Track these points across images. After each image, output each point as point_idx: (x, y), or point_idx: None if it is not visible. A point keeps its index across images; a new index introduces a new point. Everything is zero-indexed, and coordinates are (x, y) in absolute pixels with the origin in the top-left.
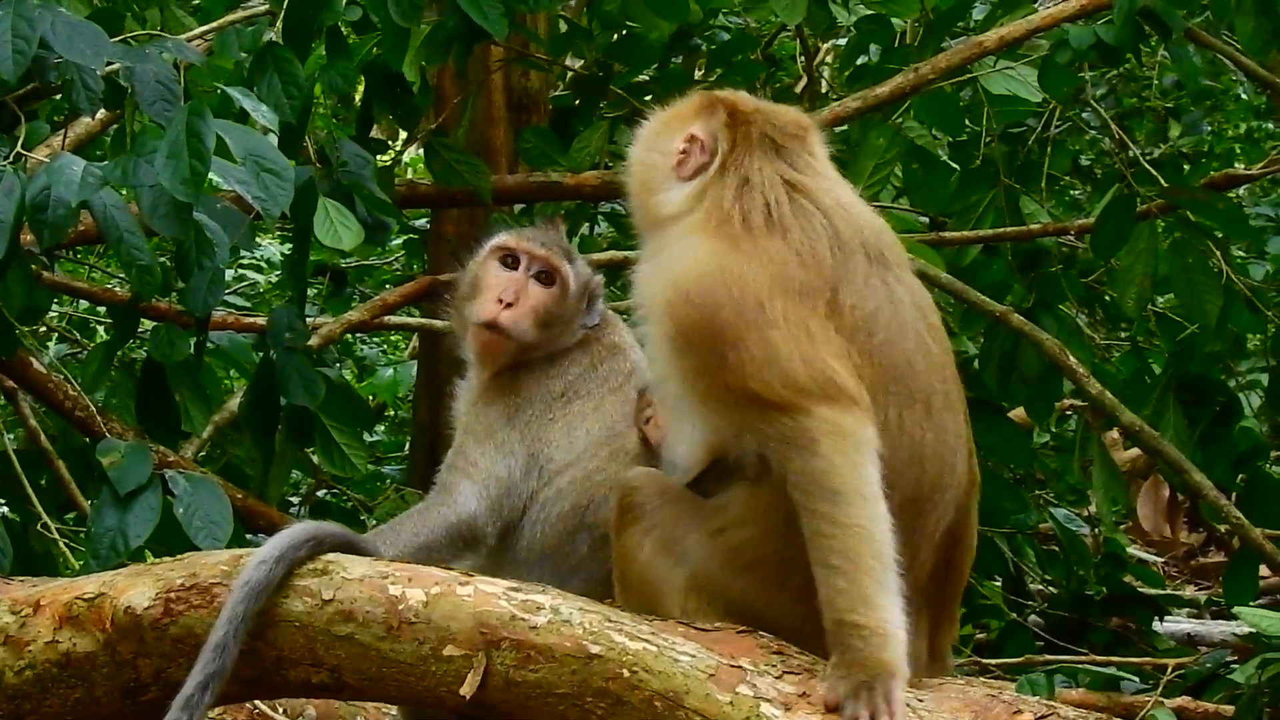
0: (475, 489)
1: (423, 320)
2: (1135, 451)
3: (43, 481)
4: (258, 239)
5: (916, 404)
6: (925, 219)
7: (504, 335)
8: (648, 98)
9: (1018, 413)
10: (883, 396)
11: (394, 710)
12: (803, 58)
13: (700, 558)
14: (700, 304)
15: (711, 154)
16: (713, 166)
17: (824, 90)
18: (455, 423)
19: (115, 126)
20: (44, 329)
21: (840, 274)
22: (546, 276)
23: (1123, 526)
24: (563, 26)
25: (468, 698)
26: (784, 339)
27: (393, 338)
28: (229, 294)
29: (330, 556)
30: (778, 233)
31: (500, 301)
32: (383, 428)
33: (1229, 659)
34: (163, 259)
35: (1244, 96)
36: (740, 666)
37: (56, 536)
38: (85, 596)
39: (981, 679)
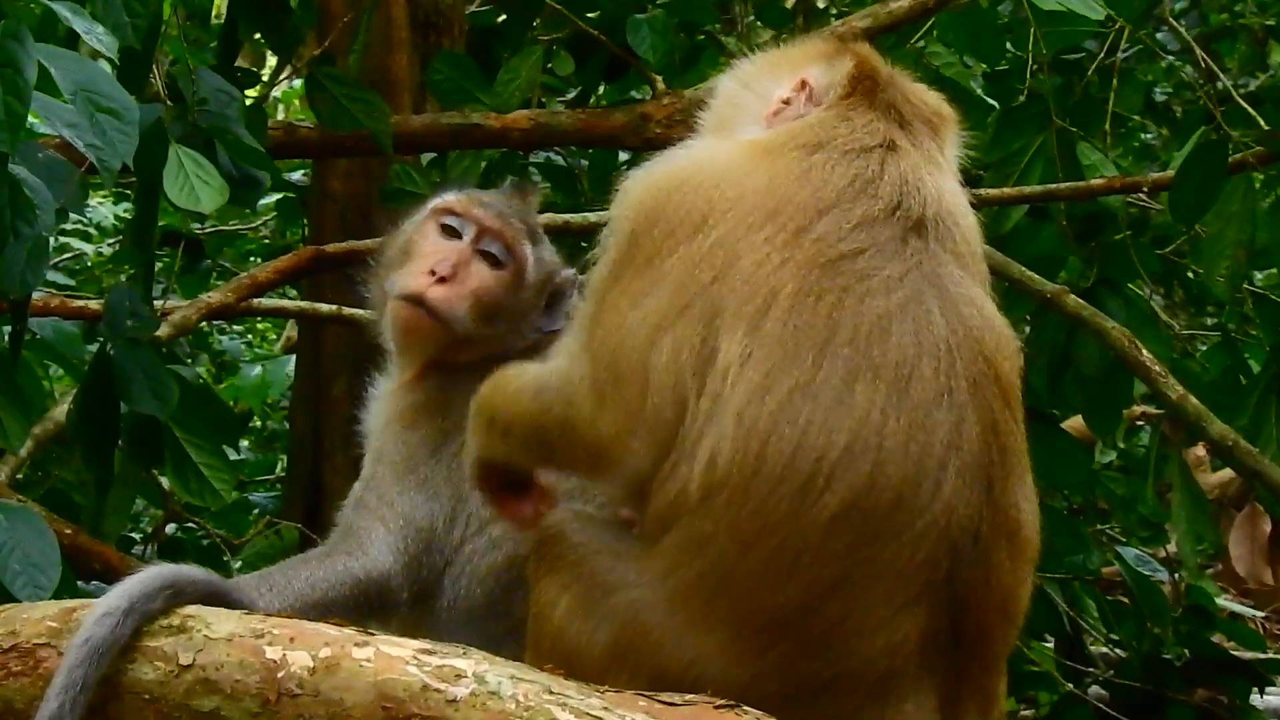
0: (390, 540)
1: (302, 304)
2: (1227, 474)
3: None
4: (89, 198)
5: (880, 379)
6: None
7: (430, 316)
8: (593, 15)
9: (1074, 423)
10: (815, 346)
11: None
12: None
13: (629, 618)
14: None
15: (817, 106)
16: (827, 98)
17: (822, 4)
18: (366, 438)
19: None
20: None
21: (831, 206)
22: (498, 255)
23: (1210, 571)
24: None
25: None
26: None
27: (261, 326)
28: (52, 269)
29: (190, 610)
30: (810, 155)
31: (432, 274)
32: (248, 443)
33: None
34: None
35: None
36: None
37: None
38: None
39: None
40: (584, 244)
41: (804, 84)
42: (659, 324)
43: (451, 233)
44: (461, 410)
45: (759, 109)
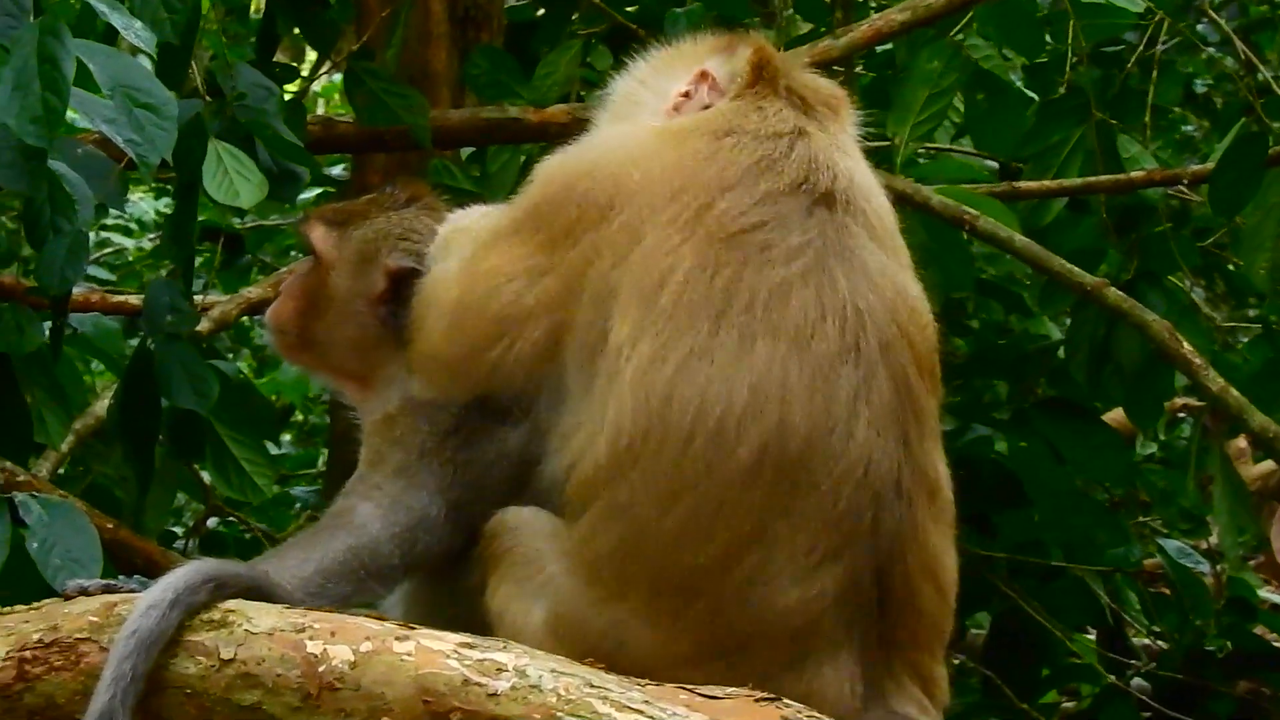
0: (376, 511)
1: None
2: (1268, 465)
3: None
4: (129, 194)
5: (779, 338)
6: (994, 164)
7: (271, 335)
8: (631, 9)
9: (1115, 415)
10: (710, 315)
11: None
12: None
13: (554, 592)
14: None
15: (722, 96)
16: (730, 91)
17: None
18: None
19: None
20: None
21: (736, 184)
22: (309, 248)
23: (1252, 562)
24: None
25: None
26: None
27: None
28: (92, 265)
29: (231, 604)
30: (720, 139)
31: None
32: (289, 437)
33: None
34: (7, 220)
35: None
36: None
37: None
38: None
39: None
40: None
41: (704, 75)
42: (543, 302)
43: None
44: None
45: (657, 104)
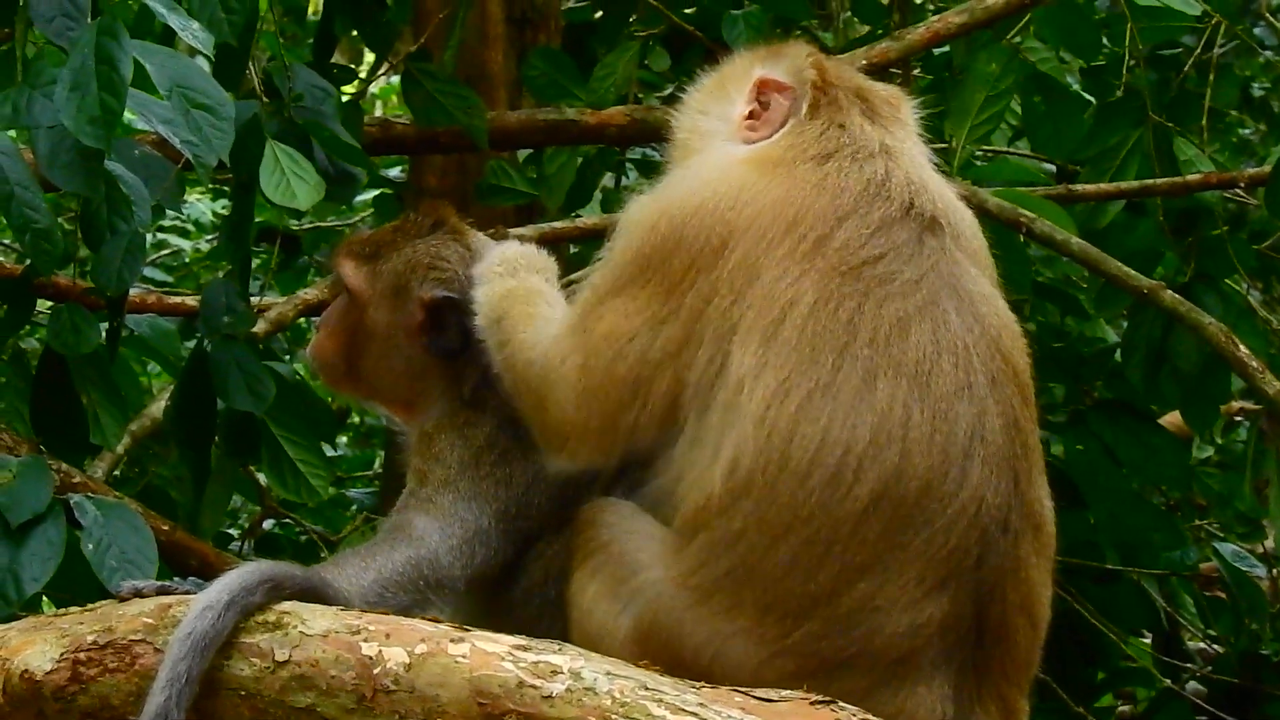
0: (434, 524)
1: None
2: None
3: None
4: (187, 195)
5: (900, 375)
6: (1051, 167)
7: (315, 369)
8: (689, 10)
9: (1171, 418)
10: (834, 350)
11: None
12: None
13: (651, 599)
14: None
15: (795, 98)
16: (802, 108)
17: (919, 0)
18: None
19: (2, 50)
20: None
21: (851, 213)
22: (343, 283)
23: None
24: None
25: None
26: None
27: None
28: (149, 266)
29: (285, 606)
30: (823, 164)
31: (316, 329)
32: (346, 439)
33: None
34: (64, 221)
35: None
36: None
37: None
38: None
39: None
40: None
41: (763, 82)
42: (668, 351)
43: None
44: (482, 421)
45: (726, 130)
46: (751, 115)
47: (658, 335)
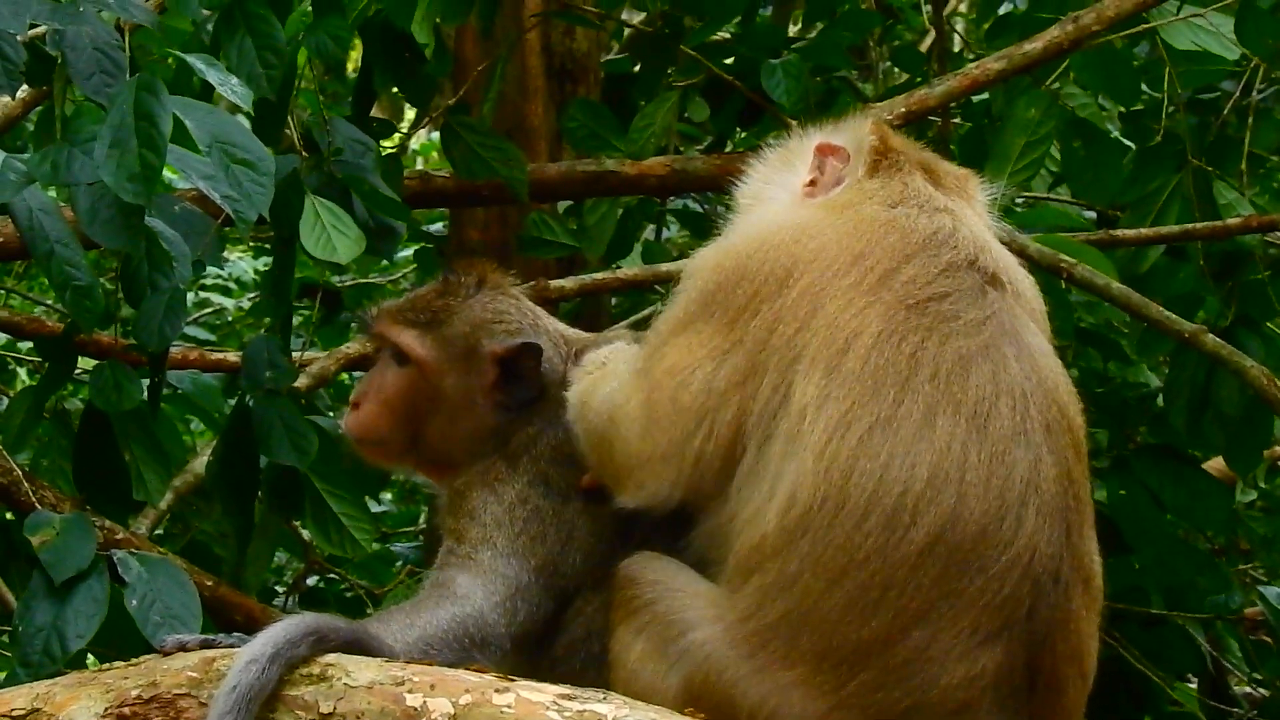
0: (476, 582)
1: None
2: None
3: None
4: (227, 251)
5: (960, 414)
6: (1091, 213)
7: (359, 444)
8: (728, 60)
9: (1215, 463)
10: (896, 384)
11: None
12: (929, 5)
13: (702, 658)
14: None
15: (851, 162)
16: (859, 169)
17: (957, 48)
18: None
19: (41, 108)
20: None
21: (918, 252)
22: (400, 355)
23: None
24: None
25: None
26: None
27: None
28: (191, 323)
29: (330, 658)
30: (890, 209)
31: (352, 404)
32: (390, 495)
33: None
34: (105, 279)
35: None
36: None
37: None
38: (13, 713)
39: None
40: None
41: (824, 148)
42: (733, 380)
43: (376, 348)
44: (513, 479)
45: (787, 196)
46: (813, 183)
47: (722, 365)
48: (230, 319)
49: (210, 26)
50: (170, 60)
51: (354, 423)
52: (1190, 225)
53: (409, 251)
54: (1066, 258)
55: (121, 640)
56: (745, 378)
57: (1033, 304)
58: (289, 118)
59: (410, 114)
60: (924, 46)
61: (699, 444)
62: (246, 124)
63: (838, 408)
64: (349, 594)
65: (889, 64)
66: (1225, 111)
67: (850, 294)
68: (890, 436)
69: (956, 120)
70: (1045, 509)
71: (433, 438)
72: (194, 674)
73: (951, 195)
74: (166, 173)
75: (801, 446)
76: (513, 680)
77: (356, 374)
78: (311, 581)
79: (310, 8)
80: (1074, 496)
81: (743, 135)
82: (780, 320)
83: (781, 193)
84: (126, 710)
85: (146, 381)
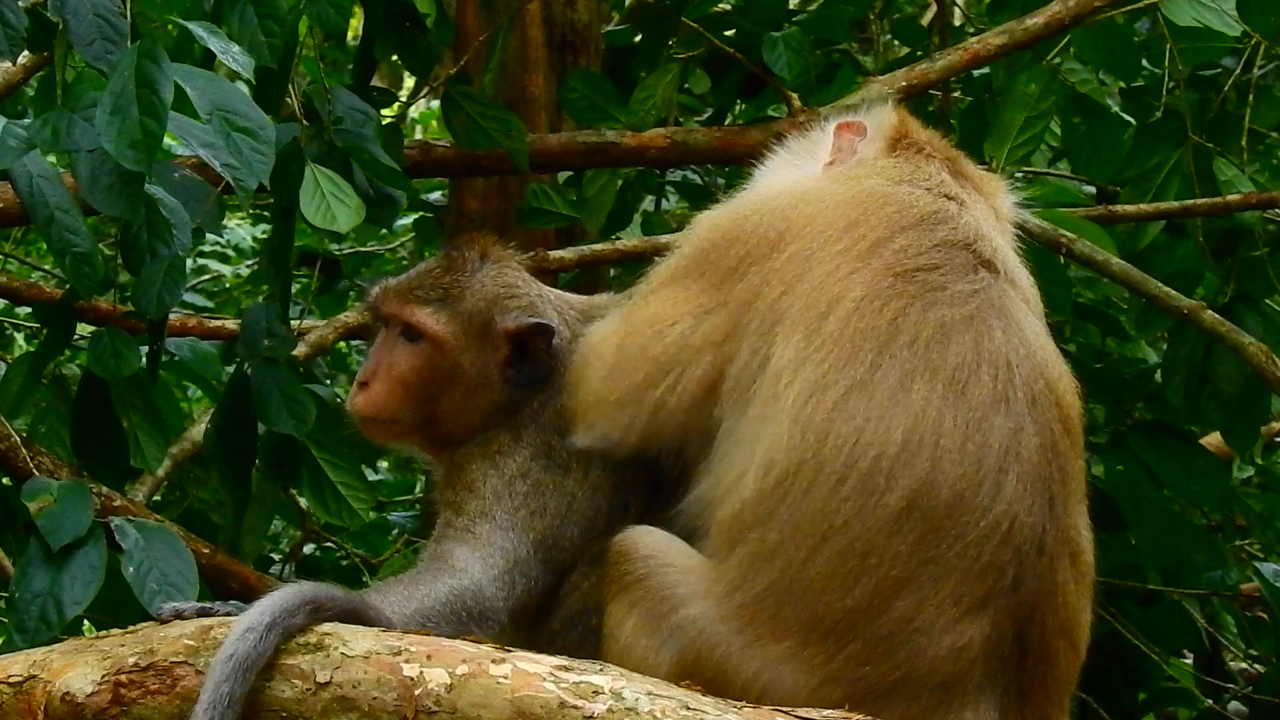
0: (475, 555)
1: None
2: None
3: None
4: (226, 218)
5: (936, 379)
6: (1091, 188)
7: (365, 424)
8: (729, 33)
9: (1213, 439)
10: (874, 348)
11: None
12: None
13: (694, 634)
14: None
15: (866, 135)
16: (876, 146)
17: (958, 23)
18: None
19: (42, 74)
20: None
21: (914, 225)
22: (411, 332)
23: None
24: None
25: None
26: None
27: None
28: (190, 292)
29: (326, 627)
30: (894, 186)
31: (360, 383)
32: (387, 464)
33: None
34: (104, 245)
35: None
36: None
37: None
38: (10, 680)
39: None
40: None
41: (845, 126)
42: (711, 339)
43: (378, 325)
44: (516, 451)
45: (811, 173)
46: (832, 164)
47: (702, 322)
48: (228, 286)
49: None
50: (171, 27)
51: (365, 402)
52: (1190, 201)
53: (408, 220)
54: (1066, 233)
55: (118, 607)
56: (725, 337)
57: (1027, 292)
58: (290, 86)
59: (409, 82)
60: (925, 20)
61: (660, 394)
62: (247, 92)
63: (815, 371)
64: (345, 563)
65: (890, 37)
66: (1226, 88)
67: (839, 259)
68: (865, 400)
69: (957, 95)
70: (1026, 477)
71: (445, 415)
72: (191, 642)
73: (968, 189)
74: (167, 140)
75: (778, 410)
76: (509, 651)
77: (355, 342)
78: (308, 550)
79: None
80: (1059, 469)
81: (743, 108)
82: (767, 283)
83: (798, 172)
84: (124, 678)
85: (145, 348)
